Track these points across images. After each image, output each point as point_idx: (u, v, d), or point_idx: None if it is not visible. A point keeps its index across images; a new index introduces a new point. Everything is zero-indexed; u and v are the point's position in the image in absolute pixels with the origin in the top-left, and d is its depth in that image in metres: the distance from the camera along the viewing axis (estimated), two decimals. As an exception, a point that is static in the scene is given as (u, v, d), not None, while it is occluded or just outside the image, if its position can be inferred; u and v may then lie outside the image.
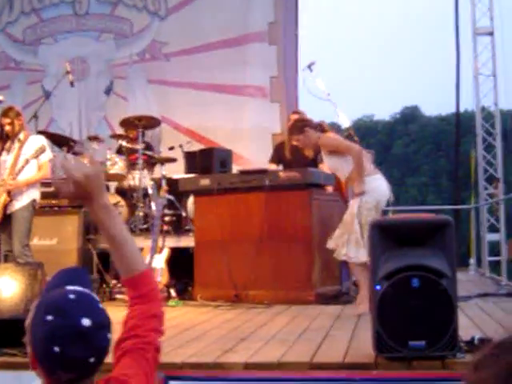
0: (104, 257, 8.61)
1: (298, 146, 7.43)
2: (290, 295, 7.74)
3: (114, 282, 8.43)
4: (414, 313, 4.36)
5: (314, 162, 8.33)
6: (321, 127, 7.13)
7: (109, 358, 2.17)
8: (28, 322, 2.12)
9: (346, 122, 8.00)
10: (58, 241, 8.72)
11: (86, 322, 2.04)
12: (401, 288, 4.39)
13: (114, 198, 9.07)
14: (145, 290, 2.37)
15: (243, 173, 8.46)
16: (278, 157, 8.87)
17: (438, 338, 4.35)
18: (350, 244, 6.82)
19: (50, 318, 2.04)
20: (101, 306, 2.14)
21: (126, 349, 2.29)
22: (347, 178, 7.19)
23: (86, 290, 2.15)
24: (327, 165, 7.49)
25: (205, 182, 8.46)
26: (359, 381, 4.40)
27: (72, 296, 2.09)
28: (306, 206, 7.94)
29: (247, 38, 12.36)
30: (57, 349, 2.01)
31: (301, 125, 7.17)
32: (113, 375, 2.24)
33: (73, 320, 2.03)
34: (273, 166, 8.68)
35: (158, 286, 2.47)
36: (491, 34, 13.02)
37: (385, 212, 7.65)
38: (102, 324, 2.09)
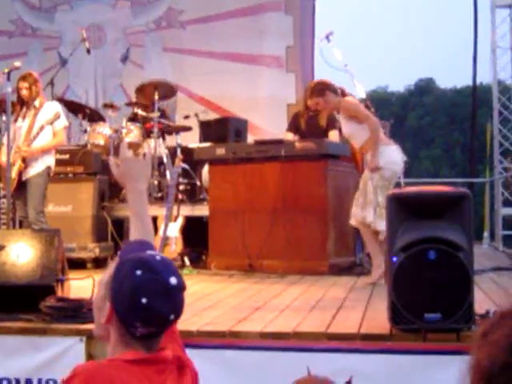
0: (118, 224, 8.64)
1: (314, 116, 7.39)
2: (304, 265, 7.74)
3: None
4: (430, 285, 4.35)
5: (325, 131, 8.32)
6: (342, 91, 7.07)
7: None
8: (106, 278, 2.24)
9: (362, 93, 7.96)
10: (72, 208, 8.73)
11: (173, 280, 2.18)
12: (417, 260, 4.38)
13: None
14: None
15: (259, 143, 8.44)
16: (294, 127, 8.84)
17: (453, 311, 4.34)
18: (369, 209, 6.79)
19: (139, 272, 2.17)
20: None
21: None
22: (362, 147, 7.15)
23: (151, 248, 2.32)
24: (344, 130, 7.42)
25: (220, 151, 8.44)
26: (374, 352, 4.42)
27: (158, 257, 2.23)
28: (322, 176, 7.92)
29: (263, 7, 12.30)
30: (144, 300, 2.14)
31: (321, 87, 7.07)
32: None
33: (162, 276, 2.17)
34: (289, 136, 8.64)
35: None
36: (510, 6, 12.90)
37: (397, 184, 7.62)
38: (184, 286, 2.23)
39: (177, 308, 2.21)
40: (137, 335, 2.20)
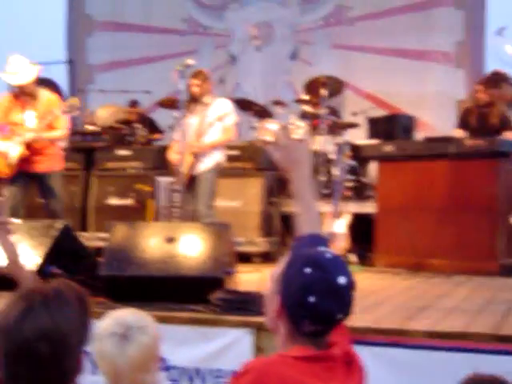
0: (286, 220, 8.73)
1: (485, 113, 7.18)
2: (472, 266, 7.56)
3: (295, 244, 8.51)
4: None
5: (499, 130, 8.08)
6: None
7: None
8: (278, 273, 2.28)
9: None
10: (241, 203, 8.90)
11: (342, 279, 2.18)
12: None
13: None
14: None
15: (429, 140, 8.31)
16: (464, 123, 8.64)
17: None
18: None
19: (308, 270, 2.19)
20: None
21: None
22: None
23: (324, 242, 2.35)
24: None
25: (388, 148, 8.38)
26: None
27: (328, 255, 2.24)
28: (492, 175, 7.70)
29: (432, 2, 12.09)
30: (312, 299, 2.16)
31: (497, 78, 6.84)
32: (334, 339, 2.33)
33: (331, 275, 2.18)
34: (459, 133, 8.46)
35: None
36: None
37: None
38: (353, 285, 2.23)
39: (345, 307, 2.21)
40: (305, 331, 2.22)
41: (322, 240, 2.39)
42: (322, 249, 2.30)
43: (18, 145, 7.22)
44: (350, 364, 2.30)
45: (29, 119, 7.32)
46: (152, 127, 11.01)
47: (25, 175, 7.38)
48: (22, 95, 7.35)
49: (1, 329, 1.95)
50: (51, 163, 7.48)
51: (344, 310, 2.21)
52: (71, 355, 1.96)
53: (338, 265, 2.22)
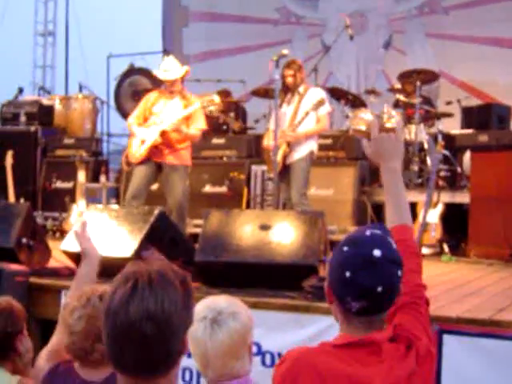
0: (378, 209, 8.74)
1: None
2: None
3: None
4: None
5: None
6: None
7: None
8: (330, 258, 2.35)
9: None
10: (334, 191, 8.93)
11: (376, 252, 2.22)
12: None
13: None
14: (399, 239, 2.43)
15: (523, 130, 8.22)
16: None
17: None
18: None
19: (346, 248, 2.27)
20: (394, 246, 2.29)
21: (398, 305, 2.38)
22: None
23: (382, 232, 2.33)
24: None
25: (483, 138, 8.32)
26: None
27: (368, 233, 2.30)
28: None
29: (529, -11, 11.90)
30: (348, 274, 2.22)
31: None
32: (396, 322, 2.36)
33: (365, 249, 2.24)
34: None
35: (413, 241, 2.57)
36: None
37: None
38: (393, 259, 2.25)
39: (384, 280, 2.21)
40: (353, 311, 2.25)
41: (380, 227, 2.38)
42: (366, 228, 2.34)
43: (155, 133, 7.51)
44: (410, 349, 2.29)
45: (170, 111, 7.60)
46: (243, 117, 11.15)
47: (153, 163, 7.64)
48: (170, 92, 7.70)
49: (107, 310, 2.01)
50: (180, 158, 7.70)
51: (384, 283, 2.21)
52: (175, 336, 2.00)
53: (375, 239, 2.27)
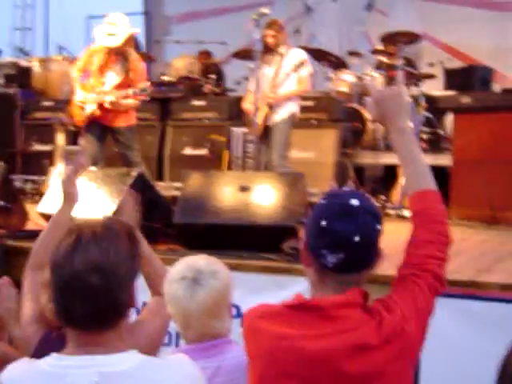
0: (360, 171, 8.69)
1: None
2: (550, 219, 7.45)
3: (368, 197, 8.49)
4: None
5: None
6: None
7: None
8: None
9: None
10: (315, 154, 8.86)
11: (354, 201, 2.17)
12: None
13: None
14: (418, 207, 2.37)
15: (506, 91, 8.17)
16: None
17: None
18: None
19: (323, 201, 2.22)
20: (373, 201, 2.29)
21: (398, 275, 2.31)
22: None
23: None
24: None
25: (465, 99, 8.27)
26: None
27: (348, 189, 2.33)
28: None
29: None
30: (324, 222, 2.15)
31: None
32: (382, 298, 2.27)
33: (342, 199, 2.19)
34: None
35: (435, 208, 2.40)
36: None
37: None
38: (371, 210, 2.20)
39: (361, 229, 2.13)
40: (329, 266, 2.16)
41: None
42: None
43: (93, 103, 7.36)
44: (379, 324, 2.14)
45: (110, 80, 7.44)
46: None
47: (100, 126, 7.50)
48: (113, 54, 7.46)
49: (52, 263, 2.02)
50: (125, 119, 7.56)
51: (361, 232, 2.12)
52: (122, 288, 2.00)
53: (355, 192, 2.25)
